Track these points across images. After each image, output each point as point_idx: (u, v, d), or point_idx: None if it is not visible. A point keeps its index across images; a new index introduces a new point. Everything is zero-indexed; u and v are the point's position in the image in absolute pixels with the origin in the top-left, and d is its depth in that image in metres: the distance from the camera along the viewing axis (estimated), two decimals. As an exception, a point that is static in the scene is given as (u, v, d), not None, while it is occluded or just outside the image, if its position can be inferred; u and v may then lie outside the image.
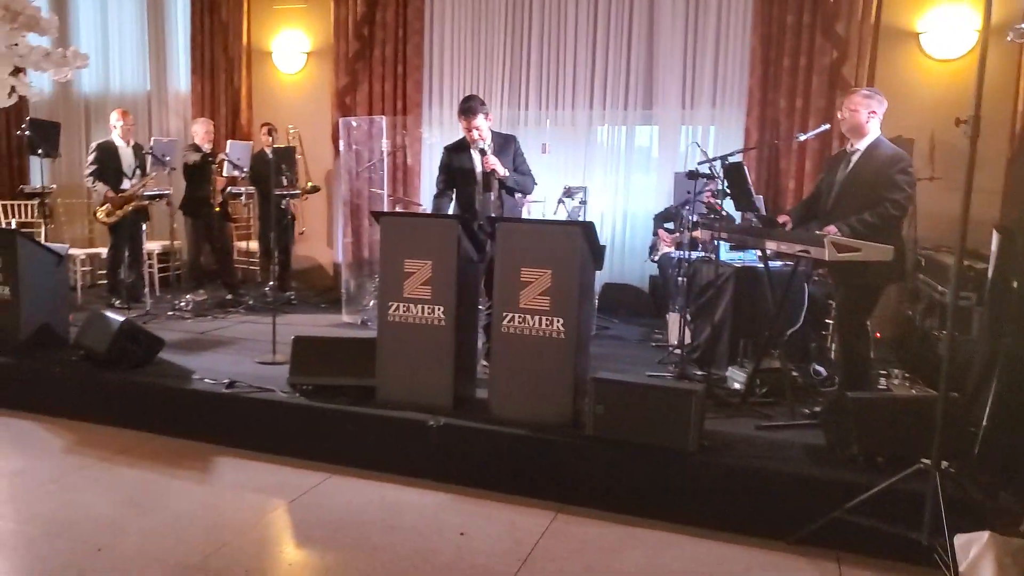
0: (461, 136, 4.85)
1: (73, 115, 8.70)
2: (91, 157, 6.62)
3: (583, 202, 6.16)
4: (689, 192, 5.02)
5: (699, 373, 4.70)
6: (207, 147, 6.81)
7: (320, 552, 3.21)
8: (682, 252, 5.47)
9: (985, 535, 2.72)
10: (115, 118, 6.74)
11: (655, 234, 6.40)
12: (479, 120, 4.70)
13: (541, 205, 6.41)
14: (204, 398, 4.41)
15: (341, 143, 6.95)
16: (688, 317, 5.03)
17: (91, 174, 6.59)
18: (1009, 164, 5.77)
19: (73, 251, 7.03)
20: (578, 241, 3.84)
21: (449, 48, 7.44)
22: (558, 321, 3.83)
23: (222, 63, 8.13)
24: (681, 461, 3.49)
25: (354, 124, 6.84)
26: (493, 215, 4.55)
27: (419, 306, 4.10)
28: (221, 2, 8.04)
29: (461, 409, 4.06)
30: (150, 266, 7.22)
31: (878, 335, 5.06)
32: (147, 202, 6.67)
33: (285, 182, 6.19)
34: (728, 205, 4.73)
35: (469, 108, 4.70)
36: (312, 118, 7.74)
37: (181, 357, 5.07)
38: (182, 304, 6.62)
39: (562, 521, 3.47)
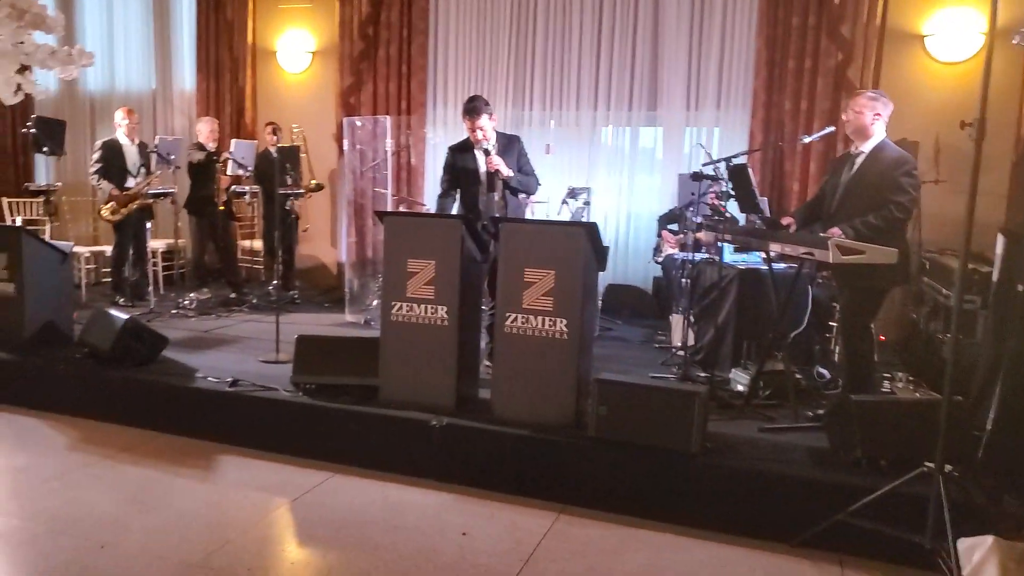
0: (465, 136, 4.85)
1: (79, 113, 8.72)
2: (96, 155, 6.64)
3: (587, 203, 6.16)
4: (693, 194, 5.02)
5: (702, 375, 4.69)
6: (212, 146, 6.82)
7: (322, 551, 3.21)
8: (686, 254, 5.47)
9: (989, 539, 2.71)
10: (120, 116, 6.75)
11: (659, 235, 6.40)
12: (483, 120, 4.70)
13: (545, 206, 6.41)
14: (207, 396, 4.42)
15: (345, 142, 6.95)
16: (692, 319, 5.03)
17: (96, 172, 6.60)
18: (1014, 167, 5.76)
19: (78, 249, 7.05)
20: (582, 242, 3.84)
21: (454, 48, 7.44)
22: (561, 322, 3.83)
23: (227, 62, 8.14)
24: (684, 463, 3.48)
25: (358, 124, 6.84)
26: (497, 215, 4.55)
27: (422, 306, 4.10)
28: (226, 1, 8.06)
29: (464, 409, 4.06)
30: (154, 264, 7.22)
31: (882, 338, 5.06)
32: (151, 200, 6.69)
33: (289, 181, 6.20)
34: (732, 207, 4.72)
35: (473, 108, 4.71)
36: (316, 118, 7.75)
37: (185, 355, 5.08)
38: (186, 302, 6.62)
39: (564, 522, 3.47)
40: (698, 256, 5.28)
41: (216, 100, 8.20)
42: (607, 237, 6.83)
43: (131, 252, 6.85)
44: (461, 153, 4.88)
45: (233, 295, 6.96)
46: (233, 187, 6.90)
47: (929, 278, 5.24)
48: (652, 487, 3.52)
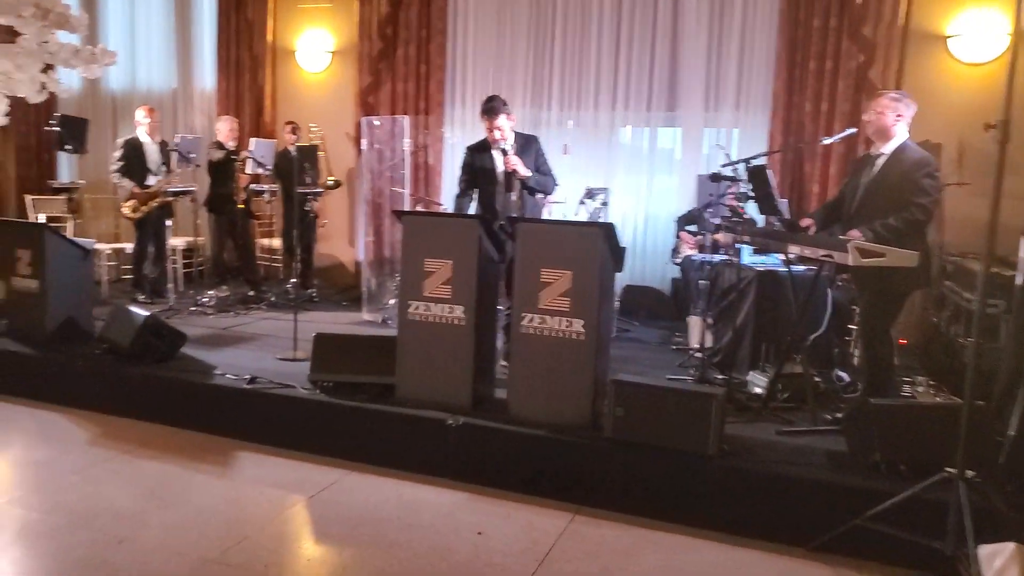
0: (483, 136, 4.85)
1: (101, 111, 8.80)
2: (118, 153, 6.70)
3: (605, 203, 6.14)
4: (712, 195, 4.99)
5: (720, 377, 4.67)
6: (231, 145, 6.87)
7: (338, 548, 3.23)
8: (704, 255, 5.44)
9: (1010, 546, 2.68)
10: (141, 115, 6.81)
11: (677, 236, 6.37)
12: (501, 120, 4.70)
13: (562, 206, 6.40)
14: (225, 393, 4.45)
15: (363, 142, 6.98)
16: (710, 320, 5.00)
17: (117, 170, 6.66)
18: (1039, 170, 5.67)
19: (99, 246, 7.11)
20: (599, 242, 3.82)
21: (472, 48, 7.45)
22: (578, 322, 3.82)
23: (247, 61, 8.19)
24: (701, 465, 3.47)
25: (376, 123, 6.87)
26: (514, 215, 4.55)
27: (439, 305, 4.11)
28: (247, 1, 8.11)
29: (480, 409, 4.06)
30: (174, 262, 7.28)
31: (903, 342, 5.00)
32: (172, 198, 6.74)
33: (308, 180, 6.23)
34: (751, 208, 4.69)
35: (491, 108, 4.71)
36: (335, 117, 7.79)
37: (203, 352, 5.12)
38: (205, 300, 6.67)
39: (580, 523, 3.47)
40: (716, 258, 5.24)
41: (236, 99, 8.26)
42: (625, 238, 6.80)
43: (151, 249, 6.91)
44: (479, 153, 4.88)
45: (251, 293, 7.00)
46: (252, 186, 6.94)
47: (951, 281, 5.18)
48: (668, 489, 3.51)
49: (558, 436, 3.74)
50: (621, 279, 6.47)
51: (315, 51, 8.05)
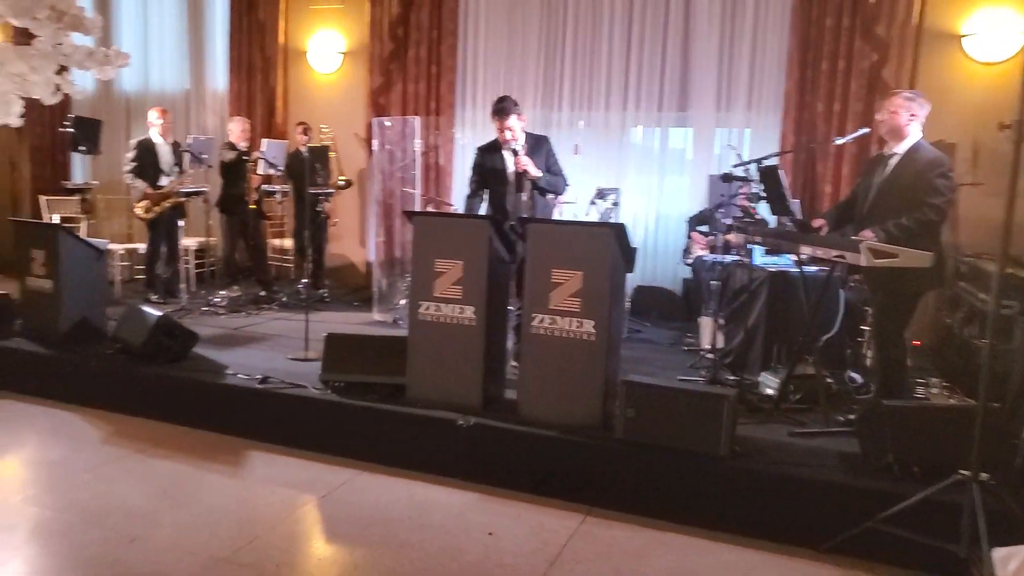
0: (494, 137, 4.86)
1: (114, 113, 8.86)
2: (131, 154, 6.74)
3: (616, 204, 6.13)
4: (723, 195, 4.97)
5: (731, 378, 4.65)
6: (243, 145, 6.89)
7: (349, 548, 3.23)
8: (716, 255, 5.42)
9: (1025, 549, 2.65)
10: (154, 116, 6.86)
11: (688, 237, 6.35)
12: (512, 121, 4.71)
13: (573, 206, 6.40)
14: (237, 393, 4.47)
15: (374, 143, 7.00)
16: (721, 321, 4.98)
17: (130, 171, 6.71)
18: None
19: (112, 246, 7.15)
20: (610, 243, 3.82)
21: (483, 49, 7.45)
22: (589, 323, 3.81)
23: (259, 62, 8.23)
24: (712, 466, 3.45)
25: (387, 124, 6.88)
26: (525, 216, 4.55)
27: (450, 306, 4.11)
28: (259, 2, 8.14)
29: (490, 409, 4.06)
30: (186, 262, 7.32)
31: (916, 343, 4.97)
32: (184, 199, 6.78)
33: (320, 181, 6.25)
34: (763, 209, 4.67)
35: (502, 109, 4.71)
36: (346, 118, 7.81)
37: (215, 352, 5.14)
38: (217, 300, 6.71)
39: (590, 524, 3.46)
40: (728, 258, 5.23)
41: (248, 100, 8.29)
42: (636, 238, 6.79)
43: (164, 250, 6.96)
44: (489, 153, 4.89)
45: (263, 293, 7.03)
46: (264, 186, 6.97)
47: (966, 282, 5.14)
48: (680, 490, 3.50)
49: (569, 437, 3.74)
50: (632, 280, 6.46)
51: (326, 52, 8.07)
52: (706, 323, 5.41)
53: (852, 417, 3.93)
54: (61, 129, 7.10)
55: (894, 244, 3.56)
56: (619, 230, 3.90)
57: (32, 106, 6.41)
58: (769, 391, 4.40)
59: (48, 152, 9.05)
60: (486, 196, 4.94)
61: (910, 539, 2.96)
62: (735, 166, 4.62)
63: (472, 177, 4.98)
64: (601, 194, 6.20)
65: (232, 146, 6.84)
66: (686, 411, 3.52)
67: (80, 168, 9.12)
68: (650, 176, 7.11)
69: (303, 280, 6.52)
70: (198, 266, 7.73)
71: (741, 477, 3.42)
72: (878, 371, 4.11)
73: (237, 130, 6.94)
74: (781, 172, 4.38)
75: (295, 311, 6.49)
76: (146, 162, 6.70)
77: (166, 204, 6.69)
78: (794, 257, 4.34)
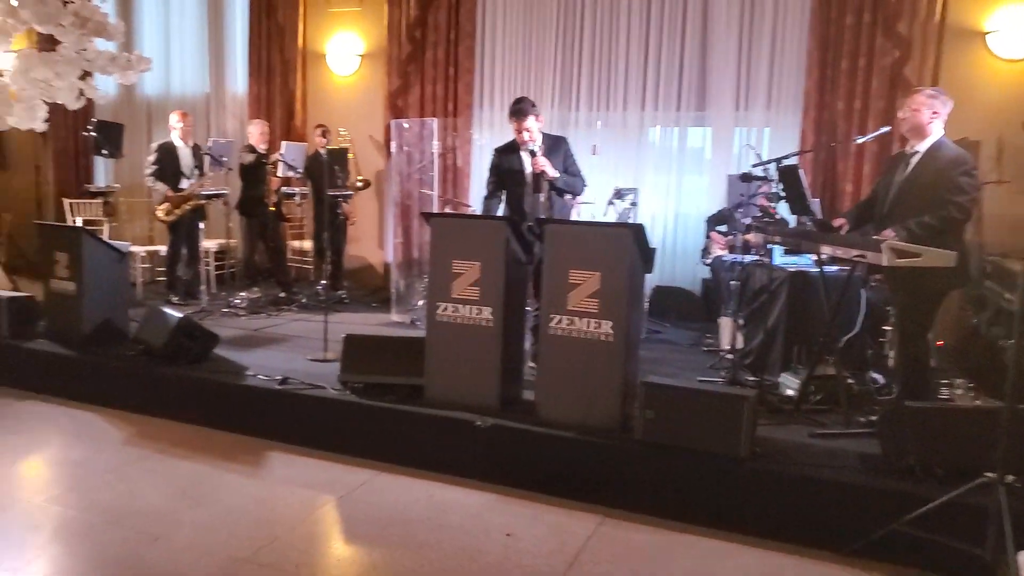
0: (511, 138, 4.85)
1: (136, 116, 8.96)
2: (152, 157, 6.81)
3: (634, 204, 6.10)
4: (743, 195, 4.94)
5: (751, 379, 4.61)
6: (262, 148, 6.94)
7: (367, 548, 3.24)
8: (735, 255, 5.38)
9: (1052, 553, 2.61)
10: (175, 119, 6.92)
11: (708, 237, 6.31)
12: (529, 122, 4.70)
13: (591, 207, 6.38)
14: (257, 394, 4.50)
15: (392, 144, 7.02)
16: (741, 322, 4.95)
17: (152, 174, 6.78)
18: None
19: (134, 248, 7.23)
20: (628, 243, 3.80)
21: (500, 50, 7.46)
22: (607, 324, 3.79)
23: (278, 65, 8.28)
24: (732, 468, 3.42)
25: (405, 126, 6.90)
26: (542, 216, 4.54)
27: (467, 307, 4.11)
28: (278, 5, 8.20)
29: (508, 410, 4.05)
30: (206, 264, 7.37)
31: (939, 343, 4.90)
32: (204, 201, 6.84)
33: (339, 182, 6.27)
34: (783, 208, 4.63)
35: (520, 110, 4.71)
36: (365, 120, 7.85)
37: (235, 353, 5.18)
38: (237, 301, 6.75)
39: (609, 525, 3.44)
40: (747, 258, 5.19)
41: (267, 103, 8.35)
42: (654, 238, 6.74)
43: (184, 252, 7.02)
44: (507, 154, 4.89)
45: (283, 294, 7.07)
46: (283, 188, 7.02)
47: (991, 281, 5.06)
48: (699, 492, 3.47)
49: (587, 438, 3.72)
50: (651, 280, 6.41)
51: (345, 54, 8.11)
52: (726, 323, 5.37)
53: (874, 418, 3.87)
54: (84, 133, 7.19)
55: (916, 243, 3.51)
56: (637, 230, 3.88)
57: (56, 111, 6.50)
58: (789, 392, 4.37)
59: (72, 156, 9.17)
60: (504, 197, 4.93)
61: (934, 542, 2.92)
62: (754, 165, 4.59)
63: (489, 178, 4.98)
64: (619, 194, 6.17)
65: (252, 149, 6.90)
66: (706, 412, 3.50)
67: (103, 171, 9.23)
68: (669, 176, 7.08)
69: (322, 281, 6.58)
70: (218, 268, 7.79)
71: (761, 479, 3.39)
72: (900, 372, 4.06)
73: (256, 133, 6.99)
74: (801, 171, 4.35)
75: (314, 312, 6.52)
76: (167, 165, 6.77)
77: (187, 207, 6.75)
78: (814, 257, 4.31)
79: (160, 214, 6.79)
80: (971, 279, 4.78)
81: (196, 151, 6.94)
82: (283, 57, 8.26)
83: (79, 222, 7.63)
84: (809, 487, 3.33)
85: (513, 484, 3.76)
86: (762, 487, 3.38)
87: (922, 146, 3.86)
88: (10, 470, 3.97)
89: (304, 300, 7.01)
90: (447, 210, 6.84)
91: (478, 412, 3.96)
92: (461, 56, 7.48)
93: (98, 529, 3.30)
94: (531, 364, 4.54)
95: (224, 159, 6.56)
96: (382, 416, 4.13)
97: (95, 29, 5.92)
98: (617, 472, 3.64)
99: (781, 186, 4.34)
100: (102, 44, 6.23)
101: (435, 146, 6.67)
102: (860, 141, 4.68)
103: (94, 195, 8.28)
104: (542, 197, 4.75)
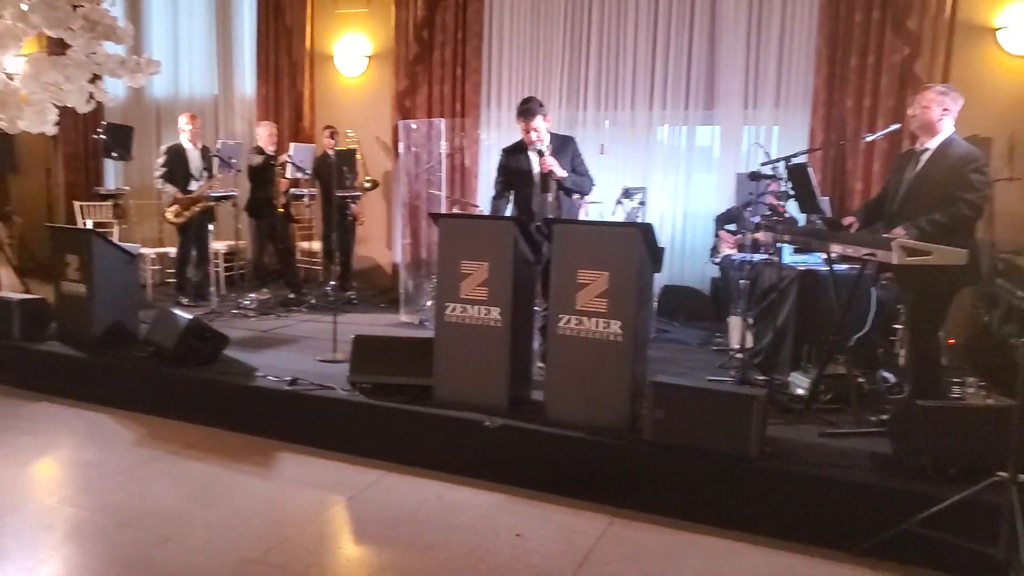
0: (519, 138, 4.85)
1: (145, 119, 8.98)
2: (161, 160, 6.84)
3: (642, 203, 6.09)
4: (751, 193, 4.92)
5: (761, 378, 4.60)
6: (271, 150, 6.96)
7: (377, 549, 3.25)
8: (744, 254, 5.36)
9: (1066, 553, 2.59)
10: (183, 122, 6.95)
11: (716, 235, 6.29)
12: (537, 121, 4.70)
13: (599, 206, 6.37)
14: (267, 395, 4.51)
15: (400, 145, 7.03)
16: (750, 321, 4.93)
17: (161, 176, 6.81)
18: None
19: (144, 250, 7.26)
20: (636, 243, 3.79)
21: (508, 50, 7.45)
22: (615, 323, 3.79)
23: (286, 67, 8.30)
24: (742, 467, 3.42)
25: (413, 126, 6.91)
26: (550, 216, 4.53)
27: (475, 307, 4.11)
28: (286, 7, 8.21)
29: (517, 410, 4.05)
30: (216, 265, 7.40)
31: (951, 341, 4.88)
32: (213, 203, 6.86)
33: (348, 183, 6.29)
34: (792, 207, 4.61)
35: (528, 109, 4.71)
36: (373, 120, 7.86)
37: (245, 354, 5.19)
38: (246, 303, 6.77)
39: (618, 525, 3.44)
40: (757, 257, 5.17)
41: (275, 104, 8.37)
42: (663, 237, 6.74)
43: (194, 253, 7.05)
44: (515, 154, 4.88)
45: (292, 295, 7.08)
46: (291, 190, 7.03)
47: (1003, 279, 5.03)
48: (709, 492, 3.47)
49: (596, 438, 3.72)
50: (659, 279, 6.41)
51: (352, 55, 8.12)
52: (735, 323, 5.36)
53: (884, 417, 3.86)
54: (94, 136, 7.23)
55: (927, 241, 3.49)
56: (646, 230, 3.88)
57: (66, 114, 6.52)
58: (799, 391, 4.35)
59: (82, 159, 9.21)
60: (512, 197, 4.93)
61: (946, 542, 2.90)
62: (763, 164, 4.57)
63: (497, 178, 4.98)
64: (627, 193, 6.16)
65: (260, 150, 6.91)
66: (715, 412, 3.49)
67: (113, 174, 9.27)
68: (677, 175, 7.06)
69: (331, 282, 6.59)
70: (227, 269, 7.82)
71: (771, 478, 3.38)
72: (911, 370, 4.04)
73: (265, 134, 7.01)
74: (810, 170, 4.33)
75: (323, 313, 6.53)
76: (176, 167, 6.80)
77: (196, 208, 6.78)
78: (824, 255, 4.29)
79: (169, 216, 6.82)
80: (982, 277, 4.76)
81: (205, 153, 6.96)
82: (291, 59, 8.27)
83: (89, 224, 7.66)
84: (819, 487, 3.31)
85: (522, 484, 3.76)
86: (772, 487, 3.37)
87: (932, 143, 3.84)
88: (23, 471, 4.00)
89: (313, 301, 7.02)
90: (455, 210, 6.84)
91: (487, 412, 3.96)
92: (468, 56, 7.48)
93: (110, 530, 3.31)
94: (540, 364, 4.54)
95: (233, 161, 6.58)
96: (391, 416, 4.14)
97: (104, 33, 5.94)
98: (626, 472, 3.64)
99: (790, 184, 4.32)
100: (111, 47, 6.25)
101: (443, 146, 6.68)
102: (869, 139, 4.67)
103: (104, 197, 8.31)
104: (550, 197, 4.75)
